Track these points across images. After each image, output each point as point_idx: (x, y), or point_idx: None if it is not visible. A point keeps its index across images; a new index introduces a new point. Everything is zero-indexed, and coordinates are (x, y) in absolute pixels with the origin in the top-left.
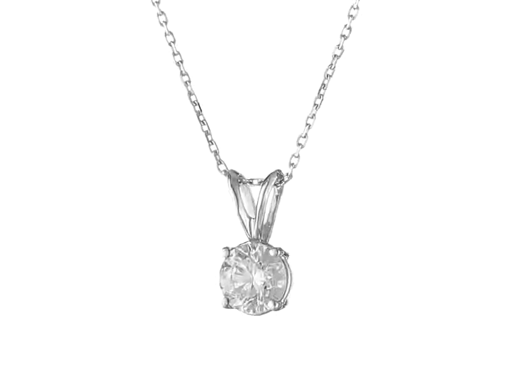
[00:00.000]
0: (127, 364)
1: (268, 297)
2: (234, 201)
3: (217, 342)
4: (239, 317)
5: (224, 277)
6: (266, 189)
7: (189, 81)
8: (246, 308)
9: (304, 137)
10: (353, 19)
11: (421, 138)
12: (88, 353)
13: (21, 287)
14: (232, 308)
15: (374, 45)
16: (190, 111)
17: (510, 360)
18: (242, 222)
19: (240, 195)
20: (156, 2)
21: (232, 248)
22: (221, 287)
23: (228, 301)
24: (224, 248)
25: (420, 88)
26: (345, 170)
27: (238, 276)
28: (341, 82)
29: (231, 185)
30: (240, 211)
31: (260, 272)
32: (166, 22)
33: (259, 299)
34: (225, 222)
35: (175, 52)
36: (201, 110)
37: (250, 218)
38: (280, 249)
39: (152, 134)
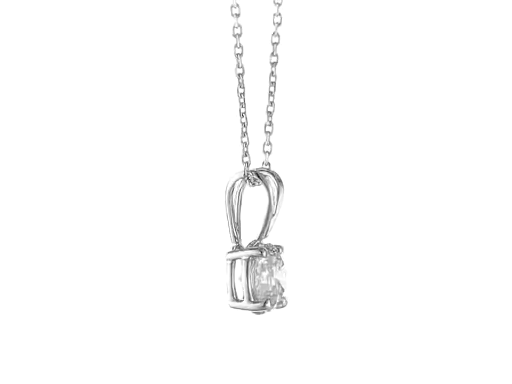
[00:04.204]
0: (130, 364)
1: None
2: (272, 200)
3: (220, 343)
4: (240, 317)
5: (261, 278)
6: (280, 186)
7: (242, 74)
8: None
9: (270, 125)
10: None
11: (402, 125)
12: (88, 354)
13: (20, 287)
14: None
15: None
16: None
17: (510, 360)
18: (268, 221)
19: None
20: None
21: (263, 250)
22: (252, 290)
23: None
24: (259, 248)
25: (395, 73)
26: (323, 165)
27: (270, 277)
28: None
29: (279, 182)
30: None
31: (280, 270)
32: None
33: (281, 296)
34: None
35: (238, 45)
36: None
37: (273, 215)
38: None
39: (153, 134)
